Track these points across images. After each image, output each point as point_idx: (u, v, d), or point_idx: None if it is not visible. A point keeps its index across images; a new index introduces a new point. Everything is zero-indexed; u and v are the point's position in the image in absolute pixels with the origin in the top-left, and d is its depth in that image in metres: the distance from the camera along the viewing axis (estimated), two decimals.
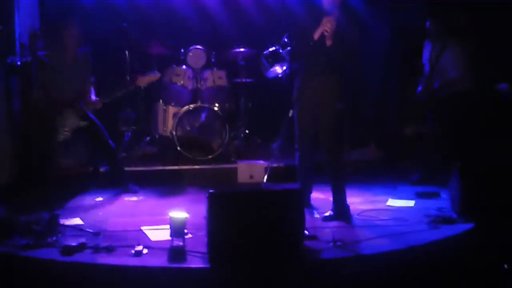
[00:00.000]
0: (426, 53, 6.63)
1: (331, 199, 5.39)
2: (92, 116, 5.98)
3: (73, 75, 5.84)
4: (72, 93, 5.84)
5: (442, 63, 6.38)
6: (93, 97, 5.96)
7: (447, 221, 5.05)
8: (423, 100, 6.59)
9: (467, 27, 6.55)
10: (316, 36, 5.09)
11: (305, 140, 5.44)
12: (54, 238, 4.45)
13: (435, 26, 6.47)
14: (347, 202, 5.35)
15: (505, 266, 4.44)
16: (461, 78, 6.36)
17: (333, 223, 5.12)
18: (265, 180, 5.22)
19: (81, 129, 5.87)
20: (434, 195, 6.03)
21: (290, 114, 5.16)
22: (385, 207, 5.69)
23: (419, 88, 6.62)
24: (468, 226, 4.92)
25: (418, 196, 6.04)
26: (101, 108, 5.99)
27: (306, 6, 5.36)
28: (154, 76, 6.19)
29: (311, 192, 5.64)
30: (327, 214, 5.31)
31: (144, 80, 6.11)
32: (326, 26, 5.04)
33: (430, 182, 6.38)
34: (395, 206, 5.72)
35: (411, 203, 5.82)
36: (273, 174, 6.16)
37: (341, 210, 5.29)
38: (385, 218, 5.30)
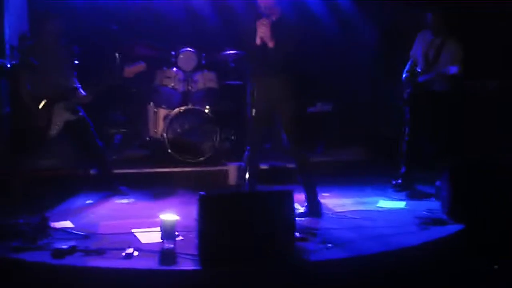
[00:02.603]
0: (421, 45, 6.57)
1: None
2: (82, 112, 5.97)
3: (58, 71, 5.83)
4: (60, 89, 5.83)
5: (442, 58, 6.35)
6: (82, 91, 5.95)
7: (437, 222, 5.07)
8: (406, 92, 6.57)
9: (461, 26, 6.58)
10: (258, 41, 5.19)
11: (257, 139, 5.52)
12: (45, 241, 4.44)
13: (437, 20, 6.42)
14: (318, 199, 5.46)
15: (496, 267, 4.46)
16: (459, 74, 6.34)
17: (325, 225, 5.13)
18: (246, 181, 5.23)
19: (71, 124, 5.86)
20: (425, 196, 6.04)
21: (253, 114, 5.19)
22: (376, 209, 5.70)
23: (404, 75, 6.57)
24: (458, 227, 4.95)
25: (409, 197, 6.05)
26: (90, 104, 5.98)
27: (248, 13, 5.56)
28: (140, 66, 6.11)
29: None
30: (301, 211, 5.36)
31: (130, 71, 6.06)
32: (261, 30, 5.15)
33: (411, 185, 6.37)
34: (386, 208, 5.74)
35: (401, 204, 5.84)
36: (264, 176, 6.20)
37: (312, 207, 5.40)
38: (376, 219, 5.31)
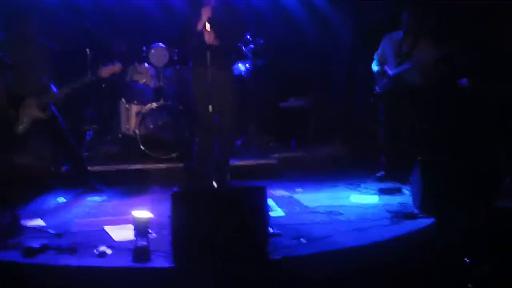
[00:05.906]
0: (389, 46, 6.64)
1: None
2: (53, 109, 5.91)
3: (30, 69, 5.76)
4: (31, 86, 5.76)
5: (416, 54, 6.42)
6: (54, 89, 5.89)
7: (409, 216, 5.12)
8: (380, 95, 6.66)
9: (440, 27, 6.66)
10: (200, 26, 5.31)
11: (206, 133, 5.70)
12: (16, 239, 4.38)
13: (411, 19, 6.49)
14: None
15: (467, 260, 4.52)
16: (432, 73, 6.42)
17: (298, 220, 5.15)
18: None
19: (41, 121, 5.80)
20: (397, 191, 6.10)
21: (210, 110, 5.25)
22: (349, 203, 5.74)
23: (377, 89, 6.67)
24: (429, 221, 5.01)
25: (381, 192, 6.11)
26: (62, 102, 5.94)
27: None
28: (116, 66, 6.09)
29: None
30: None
31: (106, 71, 6.03)
32: (205, 16, 5.29)
33: (395, 178, 6.45)
34: (359, 202, 5.78)
35: (374, 199, 5.89)
36: (238, 172, 6.22)
37: None
38: (349, 214, 5.34)
